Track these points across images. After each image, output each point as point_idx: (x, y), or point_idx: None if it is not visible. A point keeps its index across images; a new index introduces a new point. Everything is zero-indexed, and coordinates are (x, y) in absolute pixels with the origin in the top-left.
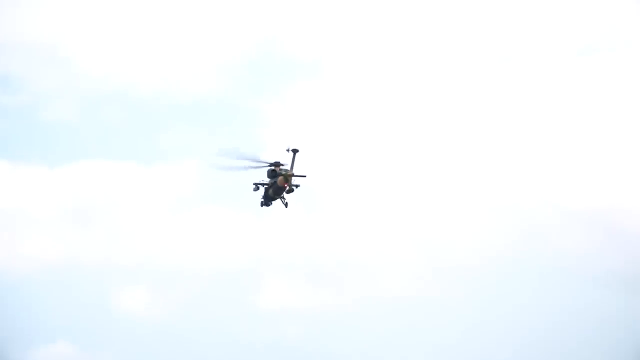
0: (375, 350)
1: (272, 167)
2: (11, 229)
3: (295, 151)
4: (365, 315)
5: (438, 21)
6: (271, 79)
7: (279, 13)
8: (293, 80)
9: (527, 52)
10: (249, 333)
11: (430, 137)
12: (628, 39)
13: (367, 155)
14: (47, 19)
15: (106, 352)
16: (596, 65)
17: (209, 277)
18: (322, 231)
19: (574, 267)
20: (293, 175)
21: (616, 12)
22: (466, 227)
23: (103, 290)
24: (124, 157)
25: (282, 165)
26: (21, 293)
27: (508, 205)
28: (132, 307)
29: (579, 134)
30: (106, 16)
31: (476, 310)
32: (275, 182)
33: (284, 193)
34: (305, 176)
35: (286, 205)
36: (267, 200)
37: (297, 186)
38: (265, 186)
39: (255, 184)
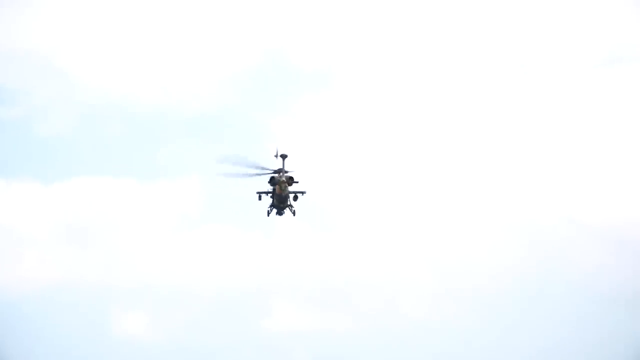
0: None
1: (272, 175)
2: (4, 249)
3: (284, 157)
4: (377, 338)
5: (455, 30)
6: (277, 91)
7: (285, 22)
8: (300, 92)
9: (546, 63)
10: (256, 358)
11: (445, 151)
12: None
13: (379, 171)
14: (41, 27)
15: None
16: (616, 76)
17: (213, 299)
18: (332, 250)
19: (593, 285)
20: (286, 182)
21: (637, 23)
22: (482, 245)
23: (101, 314)
24: (123, 173)
25: (287, 172)
26: (14, 316)
27: (524, 222)
28: (132, 331)
29: (597, 147)
30: (104, 24)
31: (494, 333)
32: (275, 189)
33: (292, 200)
34: (304, 192)
35: (294, 213)
36: (278, 210)
37: (302, 193)
38: (270, 194)
39: (259, 193)
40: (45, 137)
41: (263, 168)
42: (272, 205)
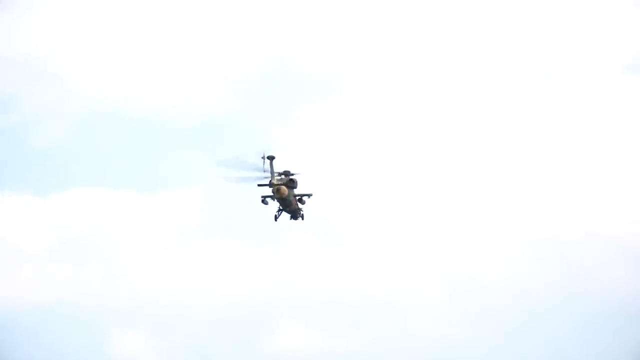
0: None
1: (270, 180)
2: None
3: (271, 158)
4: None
5: (472, 36)
6: (283, 98)
7: (292, 25)
8: (308, 99)
9: (569, 68)
10: None
11: (462, 163)
12: None
13: (391, 183)
14: (36, 30)
15: None
16: None
17: (216, 319)
18: (342, 266)
19: (619, 303)
20: (277, 184)
21: None
22: (500, 262)
23: (97, 333)
24: (121, 185)
25: (293, 174)
26: (5, 336)
27: (544, 237)
28: (129, 352)
29: (622, 157)
30: (101, 26)
31: (512, 353)
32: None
33: (299, 204)
34: (310, 195)
35: (302, 217)
36: (292, 215)
37: (309, 195)
38: (274, 198)
39: (263, 197)
40: (39, 146)
41: (265, 171)
42: (280, 210)
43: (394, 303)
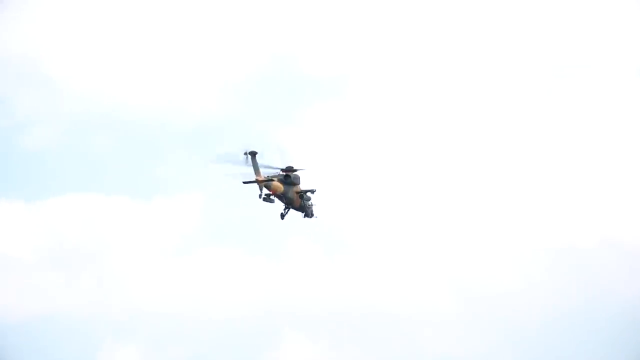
0: None
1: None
2: None
3: (253, 154)
4: None
5: (485, 37)
6: (285, 99)
7: (295, 24)
8: (311, 101)
9: (584, 70)
10: None
11: (474, 169)
12: None
13: (398, 189)
14: (27, 30)
15: None
16: None
17: (216, 331)
18: (347, 276)
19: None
20: (264, 180)
21: None
22: (513, 273)
23: (90, 346)
24: (115, 191)
25: (295, 170)
26: None
27: (560, 247)
28: None
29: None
30: (94, 26)
31: None
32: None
33: (302, 201)
34: (314, 190)
35: (312, 214)
36: (306, 213)
37: (312, 191)
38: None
39: (266, 195)
40: (29, 150)
41: (249, 167)
42: (287, 208)
43: (403, 317)
